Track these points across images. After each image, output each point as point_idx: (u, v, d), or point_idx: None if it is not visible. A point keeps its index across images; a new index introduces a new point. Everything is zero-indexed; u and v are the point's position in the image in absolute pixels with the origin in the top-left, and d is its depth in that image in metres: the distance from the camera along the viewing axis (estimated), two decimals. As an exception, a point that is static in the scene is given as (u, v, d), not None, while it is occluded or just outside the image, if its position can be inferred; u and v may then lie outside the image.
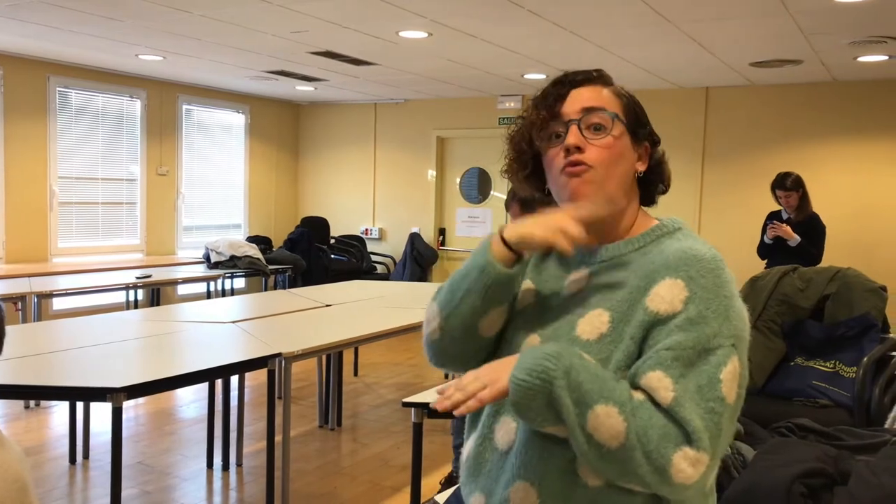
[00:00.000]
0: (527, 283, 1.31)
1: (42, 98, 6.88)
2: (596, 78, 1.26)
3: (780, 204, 5.29)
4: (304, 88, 8.17)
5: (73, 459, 4.18)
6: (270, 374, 3.44)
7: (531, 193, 1.34)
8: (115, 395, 2.77)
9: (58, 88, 7.01)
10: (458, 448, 3.70)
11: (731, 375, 1.07)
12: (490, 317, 1.25)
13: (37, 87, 6.84)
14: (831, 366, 2.89)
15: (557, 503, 1.14)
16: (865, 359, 2.72)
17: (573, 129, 1.20)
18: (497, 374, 1.11)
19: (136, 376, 2.92)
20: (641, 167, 1.25)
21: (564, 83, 1.25)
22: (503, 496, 1.19)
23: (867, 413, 2.64)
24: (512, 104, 8.21)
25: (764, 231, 5.33)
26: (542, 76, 6.99)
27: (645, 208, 1.30)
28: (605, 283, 1.20)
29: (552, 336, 1.21)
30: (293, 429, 4.80)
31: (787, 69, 6.37)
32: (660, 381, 1.06)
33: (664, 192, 1.32)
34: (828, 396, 2.78)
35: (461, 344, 1.29)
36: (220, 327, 3.98)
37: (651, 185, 1.29)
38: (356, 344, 4.02)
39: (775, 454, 1.83)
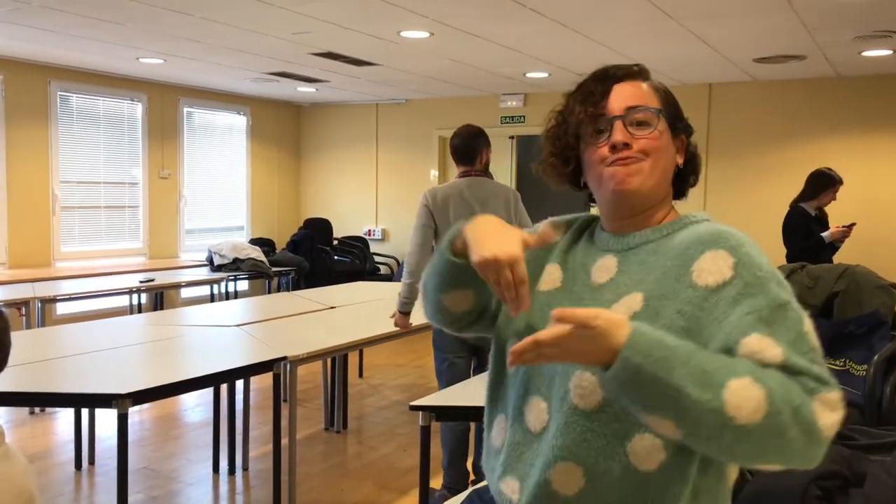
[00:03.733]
0: (554, 267, 1.29)
1: (43, 102, 6.87)
2: (637, 73, 1.26)
3: (824, 202, 5.12)
4: (305, 90, 8.15)
5: (78, 465, 4.17)
6: (276, 378, 3.43)
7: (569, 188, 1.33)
8: (121, 402, 2.75)
9: (59, 92, 7.00)
10: (447, 468, 3.64)
11: (810, 326, 1.06)
12: (451, 296, 1.29)
13: (38, 92, 6.82)
14: (841, 364, 2.86)
15: (605, 485, 1.11)
16: (876, 357, 2.69)
17: (618, 125, 1.20)
18: (583, 345, 0.99)
19: (141, 382, 2.90)
20: (680, 160, 1.26)
21: (606, 79, 1.24)
22: (542, 478, 1.15)
23: (878, 411, 2.61)
24: (514, 103, 8.18)
25: (806, 229, 5.02)
26: (545, 74, 6.97)
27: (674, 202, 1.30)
28: (636, 268, 1.19)
29: None
30: (299, 431, 4.78)
31: (790, 65, 6.34)
32: (761, 343, 1.03)
33: (694, 184, 1.31)
34: (838, 395, 2.75)
35: (436, 305, 1.33)
36: (224, 331, 3.97)
37: (685, 177, 1.28)
38: (361, 346, 4.00)
39: (789, 456, 1.81)
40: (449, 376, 3.66)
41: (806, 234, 5.02)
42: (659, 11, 4.62)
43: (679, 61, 6.21)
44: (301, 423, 4.95)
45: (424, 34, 5.33)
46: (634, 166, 1.18)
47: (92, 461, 4.22)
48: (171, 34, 5.49)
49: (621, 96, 1.22)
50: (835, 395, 0.99)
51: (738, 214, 7.28)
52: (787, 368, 1.00)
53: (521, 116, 8.20)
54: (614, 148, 1.19)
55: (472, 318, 1.33)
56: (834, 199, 5.15)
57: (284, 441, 3.88)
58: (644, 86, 1.24)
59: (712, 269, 1.09)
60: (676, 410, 0.96)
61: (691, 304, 1.09)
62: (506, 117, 8.28)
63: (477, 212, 3.55)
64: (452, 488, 3.64)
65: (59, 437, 4.67)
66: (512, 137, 8.33)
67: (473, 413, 2.61)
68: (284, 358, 3.35)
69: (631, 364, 0.97)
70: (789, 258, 4.95)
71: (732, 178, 7.31)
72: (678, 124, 1.25)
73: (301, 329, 4.00)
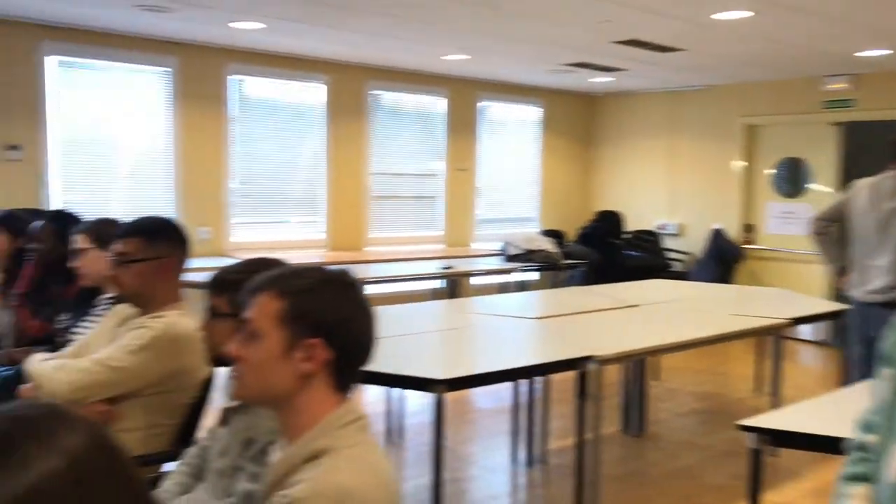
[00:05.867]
0: None
1: (361, 101, 7.48)
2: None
3: None
4: (599, 79, 7.98)
5: (388, 439, 4.44)
6: (581, 376, 3.34)
7: None
8: (438, 386, 2.83)
9: (372, 91, 7.58)
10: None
11: None
12: None
13: (356, 91, 7.44)
14: None
15: None
16: None
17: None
18: None
19: (455, 369, 2.97)
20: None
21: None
22: None
23: None
24: (839, 85, 7.26)
25: None
26: (883, 52, 6.08)
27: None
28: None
29: None
30: (593, 431, 4.67)
31: None
32: None
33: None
34: None
35: None
36: (526, 323, 3.97)
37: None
38: (668, 351, 3.76)
39: None
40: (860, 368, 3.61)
41: None
42: None
43: None
44: (593, 423, 4.83)
45: (745, 14, 4.88)
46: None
47: (401, 436, 4.48)
48: (477, 31, 5.64)
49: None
50: None
51: None
52: None
53: (849, 100, 7.26)
54: None
55: None
56: None
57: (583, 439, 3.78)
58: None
59: None
60: None
61: None
62: (829, 102, 7.37)
63: (864, 206, 3.69)
64: None
65: (369, 410, 5.03)
66: (837, 124, 7.40)
67: (825, 443, 2.22)
68: (591, 357, 3.25)
69: None
70: None
71: None
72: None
73: (603, 327, 3.87)
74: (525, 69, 7.47)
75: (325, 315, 1.29)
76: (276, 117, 7.04)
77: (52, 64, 5.75)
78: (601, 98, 9.32)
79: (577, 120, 9.30)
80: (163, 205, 6.23)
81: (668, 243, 8.51)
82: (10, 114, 5.60)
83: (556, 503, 3.75)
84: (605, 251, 7.78)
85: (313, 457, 1.22)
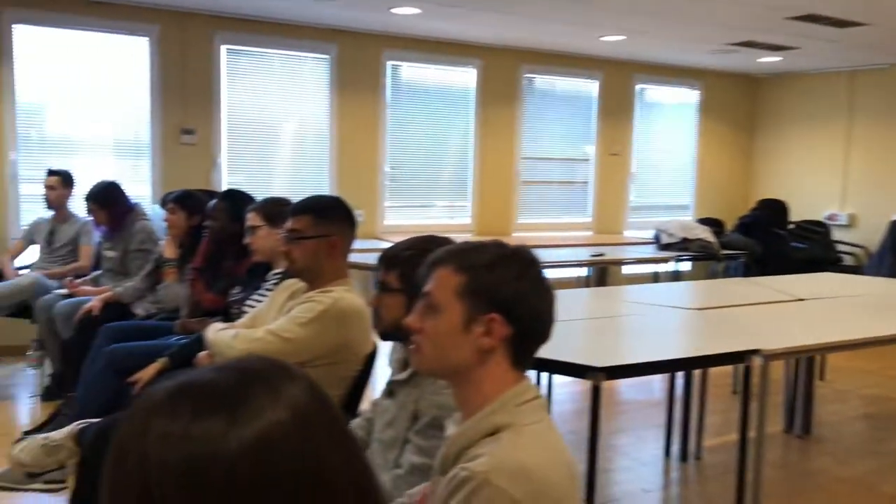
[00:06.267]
0: None
1: (512, 84, 7.44)
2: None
3: None
4: (766, 59, 7.51)
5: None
6: (745, 371, 3.16)
7: None
8: (596, 374, 2.77)
9: (524, 75, 7.51)
10: None
11: None
12: None
13: (508, 75, 7.40)
14: None
15: None
16: None
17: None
18: None
19: (609, 357, 2.89)
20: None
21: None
22: None
23: None
24: None
25: None
26: None
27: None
28: None
29: None
30: (757, 429, 4.43)
31: None
32: None
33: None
34: None
35: None
36: (683, 313, 3.80)
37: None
38: (843, 349, 3.49)
39: None
40: None
41: None
42: None
43: None
44: (756, 420, 4.57)
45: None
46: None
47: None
48: (636, 10, 5.44)
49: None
50: None
51: None
52: None
53: None
54: None
55: None
56: None
57: (739, 436, 3.59)
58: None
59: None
60: None
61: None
62: None
63: None
64: None
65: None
66: None
67: None
68: (758, 351, 3.07)
69: None
70: None
71: None
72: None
73: (768, 320, 3.64)
74: (684, 50, 7.15)
75: (504, 291, 1.27)
76: (427, 102, 7.14)
77: (222, 52, 6.12)
78: (766, 79, 8.78)
79: (739, 102, 8.81)
80: (320, 187, 6.48)
81: (838, 235, 7.91)
82: (186, 100, 6.02)
83: (712, 501, 3.58)
84: (768, 242, 7.32)
85: (492, 432, 1.21)
